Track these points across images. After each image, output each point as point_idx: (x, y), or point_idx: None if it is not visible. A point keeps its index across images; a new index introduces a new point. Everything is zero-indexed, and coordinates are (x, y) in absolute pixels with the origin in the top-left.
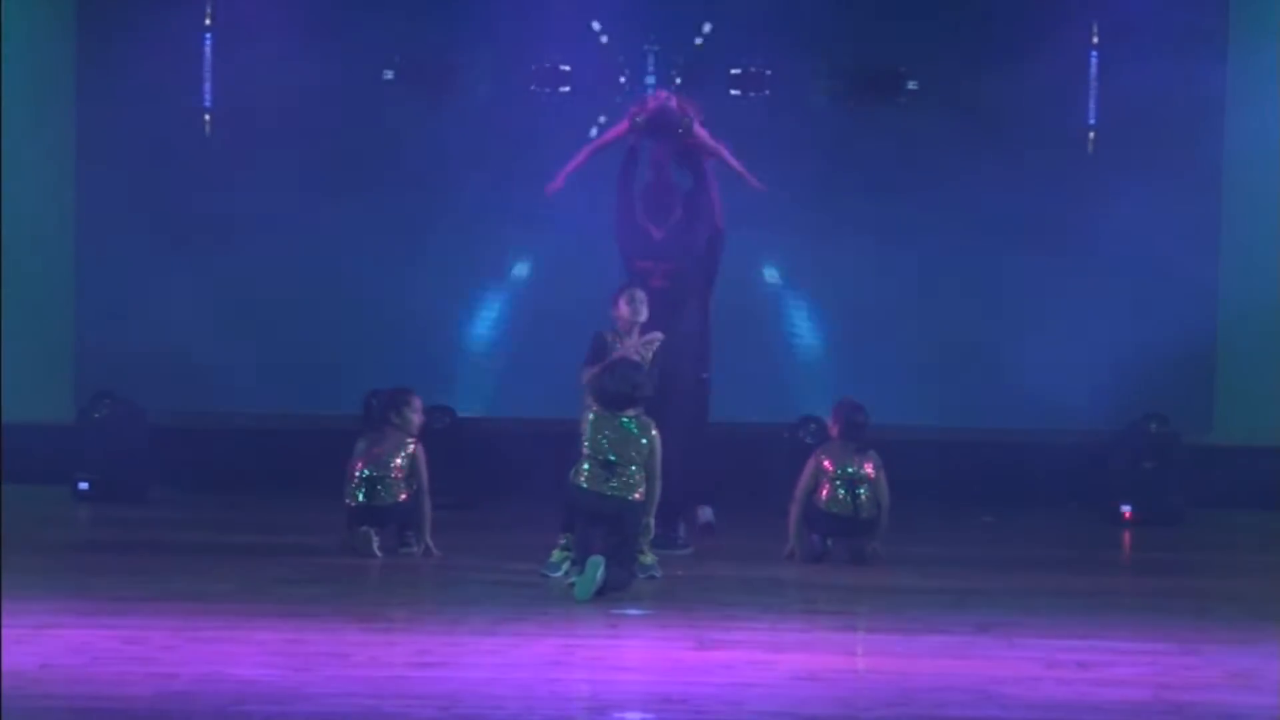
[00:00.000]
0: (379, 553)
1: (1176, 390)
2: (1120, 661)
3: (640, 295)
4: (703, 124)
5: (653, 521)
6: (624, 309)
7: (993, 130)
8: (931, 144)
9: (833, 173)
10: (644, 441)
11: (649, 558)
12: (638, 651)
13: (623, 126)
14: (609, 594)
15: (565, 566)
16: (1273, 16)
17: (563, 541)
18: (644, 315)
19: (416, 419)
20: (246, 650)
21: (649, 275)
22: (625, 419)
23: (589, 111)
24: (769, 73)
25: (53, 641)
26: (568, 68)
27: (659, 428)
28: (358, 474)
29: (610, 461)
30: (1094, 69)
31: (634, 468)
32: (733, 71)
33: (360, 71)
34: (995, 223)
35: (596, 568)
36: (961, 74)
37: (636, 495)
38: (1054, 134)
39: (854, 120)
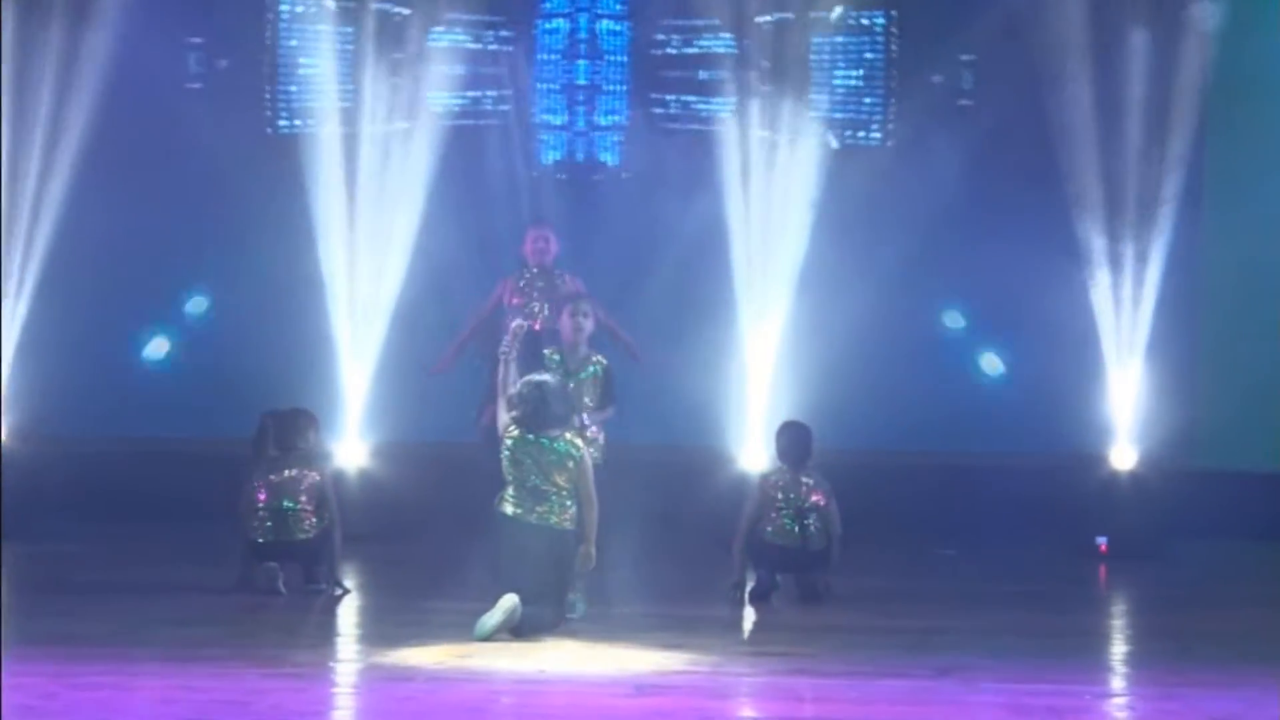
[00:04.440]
0: (284, 590)
1: (1154, 414)
2: (1093, 707)
3: None
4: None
5: (594, 550)
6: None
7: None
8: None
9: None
10: (570, 462)
11: (574, 594)
12: (566, 698)
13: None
14: (535, 635)
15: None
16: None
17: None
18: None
19: (316, 442)
20: (131, 699)
21: None
22: (546, 439)
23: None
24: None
25: None
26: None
27: None
28: (260, 506)
29: (536, 486)
30: None
31: (564, 492)
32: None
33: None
34: (962, 233)
35: (509, 610)
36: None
37: (567, 522)
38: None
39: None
